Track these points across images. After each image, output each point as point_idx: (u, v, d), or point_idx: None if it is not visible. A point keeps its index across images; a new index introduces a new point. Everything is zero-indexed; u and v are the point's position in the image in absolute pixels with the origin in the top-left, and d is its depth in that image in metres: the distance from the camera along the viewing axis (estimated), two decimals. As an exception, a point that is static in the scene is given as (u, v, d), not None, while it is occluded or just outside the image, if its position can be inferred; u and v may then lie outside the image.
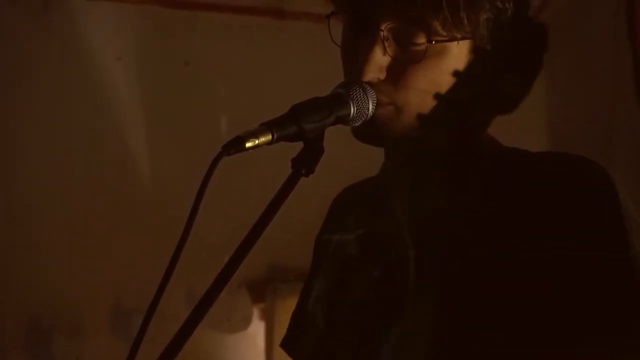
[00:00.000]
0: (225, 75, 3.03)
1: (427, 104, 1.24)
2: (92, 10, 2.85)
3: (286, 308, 2.75)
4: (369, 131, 1.29)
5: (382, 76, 1.27)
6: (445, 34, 1.25)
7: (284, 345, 1.53)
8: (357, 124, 1.27)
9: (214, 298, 1.09)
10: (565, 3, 3.05)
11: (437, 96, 1.20)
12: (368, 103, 1.26)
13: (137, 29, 2.93)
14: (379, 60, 1.26)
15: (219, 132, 2.95)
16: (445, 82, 1.22)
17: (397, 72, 1.27)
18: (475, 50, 1.27)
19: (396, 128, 1.28)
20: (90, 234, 2.82)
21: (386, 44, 1.26)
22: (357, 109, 1.25)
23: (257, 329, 3.02)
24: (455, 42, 1.26)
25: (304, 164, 1.18)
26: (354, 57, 1.28)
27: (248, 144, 1.12)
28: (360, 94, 1.25)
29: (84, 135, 2.84)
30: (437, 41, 1.25)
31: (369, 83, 1.26)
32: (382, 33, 1.25)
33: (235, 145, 1.12)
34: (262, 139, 1.14)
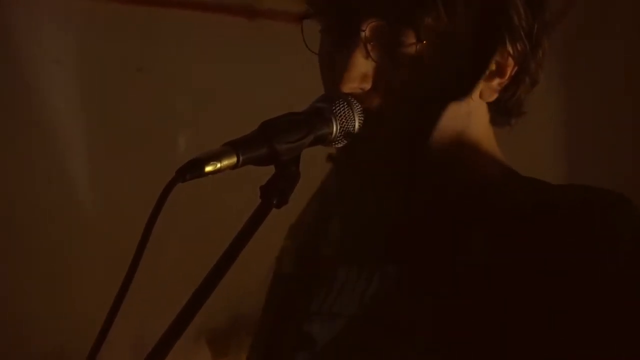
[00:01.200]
0: (185, 84, 3.03)
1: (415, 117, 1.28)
2: (25, 3, 2.85)
3: (253, 365, 2.75)
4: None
5: (367, 85, 1.28)
6: (439, 29, 1.25)
7: None
8: (340, 145, 1.28)
9: (166, 351, 1.09)
10: (584, 12, 3.10)
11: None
12: (354, 120, 1.27)
13: (80, 27, 2.93)
14: (362, 66, 1.27)
15: (176, 152, 2.95)
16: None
17: (385, 80, 1.28)
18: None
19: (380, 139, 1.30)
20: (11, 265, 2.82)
21: (369, 46, 1.27)
22: (340, 127, 1.26)
23: (218, 389, 3.02)
24: None
25: (276, 193, 1.18)
26: (333, 64, 1.29)
27: (208, 168, 1.12)
28: (344, 110, 1.26)
29: (12, 152, 2.83)
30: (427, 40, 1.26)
31: (353, 95, 1.27)
32: (363, 34, 1.26)
33: (193, 169, 1.11)
34: (226, 162, 1.13)
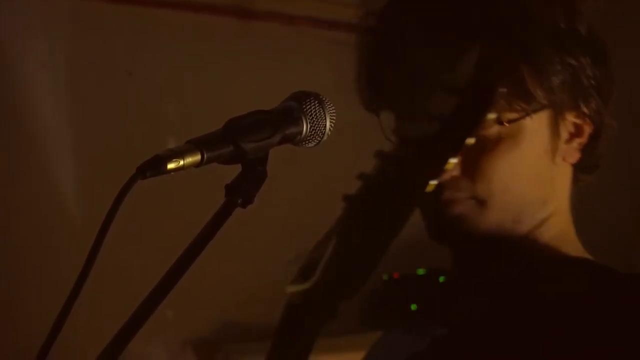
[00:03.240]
0: (176, 88, 3.04)
1: (514, 194, 1.37)
2: (9, 5, 2.86)
3: (240, 373, 2.77)
4: (449, 229, 1.40)
5: (457, 172, 1.37)
6: (516, 109, 1.35)
7: None
8: (310, 145, 1.28)
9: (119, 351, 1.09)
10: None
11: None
12: (325, 120, 1.27)
13: (68, 29, 2.94)
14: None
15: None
16: (528, 164, 1.36)
17: (472, 163, 1.37)
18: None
19: (480, 225, 1.39)
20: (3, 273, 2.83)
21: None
22: (310, 127, 1.26)
23: (204, 399, 3.02)
24: (529, 117, 1.36)
25: (241, 192, 1.18)
26: None
27: (170, 165, 1.12)
28: (315, 108, 1.26)
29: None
30: (509, 121, 1.34)
31: (441, 183, 1.32)
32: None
33: (154, 166, 1.12)
34: (189, 160, 1.14)
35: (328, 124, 1.28)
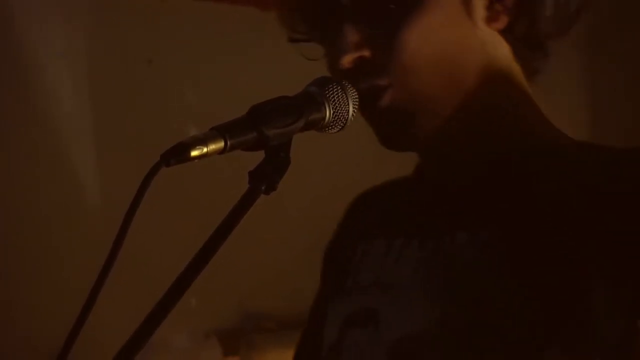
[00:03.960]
0: (195, 76, 3.06)
1: (433, 80, 1.31)
2: (29, -5, 2.88)
3: (264, 362, 2.79)
4: (392, 131, 1.34)
5: (366, 52, 1.32)
6: None
7: None
8: (333, 131, 1.29)
9: (136, 351, 1.09)
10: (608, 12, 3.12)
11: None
12: (348, 105, 1.28)
13: (87, 17, 2.96)
14: (352, 35, 1.31)
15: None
16: (441, 27, 1.30)
17: (384, 46, 1.32)
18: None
19: (410, 109, 1.33)
20: (19, 264, 2.85)
21: (358, 17, 1.31)
22: (333, 112, 1.27)
23: (228, 386, 3.03)
24: None
25: (265, 179, 1.19)
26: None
27: (194, 153, 1.12)
28: (338, 94, 1.27)
29: (17, 148, 2.87)
30: None
31: (354, 69, 1.30)
32: (343, 3, 1.31)
33: (178, 154, 1.12)
34: (212, 147, 1.14)
35: (351, 109, 1.28)
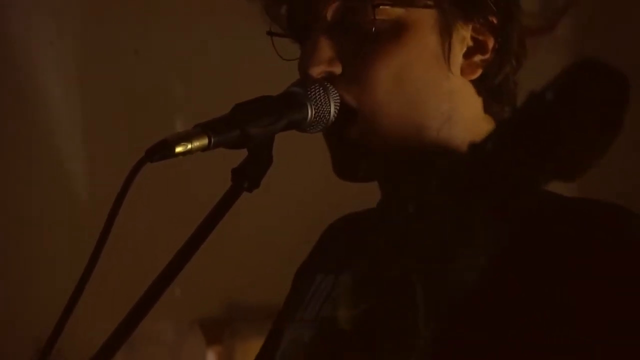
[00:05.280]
0: (184, 67, 3.04)
1: (401, 121, 1.32)
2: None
3: (247, 351, 2.79)
4: (353, 164, 1.34)
5: (337, 69, 1.33)
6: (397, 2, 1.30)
7: None
8: (314, 131, 1.33)
9: (122, 341, 1.12)
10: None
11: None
12: (329, 106, 1.31)
13: (76, 7, 2.94)
14: (327, 49, 1.33)
15: (173, 137, 2.95)
16: (415, 69, 1.31)
17: (357, 70, 1.33)
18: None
19: (375, 146, 1.33)
20: (5, 258, 2.86)
21: (336, 33, 1.33)
22: (315, 112, 1.30)
23: (211, 375, 3.05)
24: (405, 10, 1.31)
25: (247, 177, 1.23)
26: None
27: (178, 149, 1.17)
28: (320, 94, 1.31)
29: (2, 139, 2.86)
30: (382, 4, 1.30)
31: (327, 80, 1.32)
32: (326, 16, 1.33)
33: (162, 150, 1.17)
34: (197, 144, 1.19)
35: (332, 109, 1.32)
